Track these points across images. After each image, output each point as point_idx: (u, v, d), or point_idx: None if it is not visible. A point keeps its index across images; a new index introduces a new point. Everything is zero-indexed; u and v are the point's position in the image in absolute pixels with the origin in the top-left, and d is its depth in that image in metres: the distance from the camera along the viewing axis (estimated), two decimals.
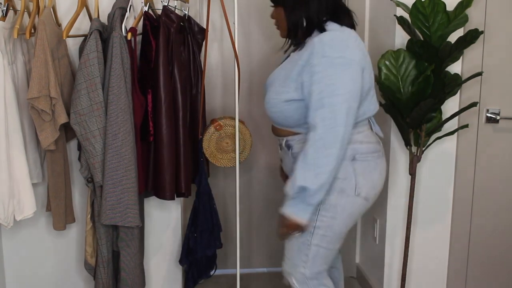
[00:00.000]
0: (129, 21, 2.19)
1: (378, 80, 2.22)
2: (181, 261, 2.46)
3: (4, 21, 2.03)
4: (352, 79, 1.71)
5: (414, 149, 2.34)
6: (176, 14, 2.21)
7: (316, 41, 1.73)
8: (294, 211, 1.77)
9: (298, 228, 1.79)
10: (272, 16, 1.90)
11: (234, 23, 2.24)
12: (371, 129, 1.92)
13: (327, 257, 1.91)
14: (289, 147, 1.92)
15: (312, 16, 1.79)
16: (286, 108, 1.81)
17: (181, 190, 2.26)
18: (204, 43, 2.37)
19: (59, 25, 2.20)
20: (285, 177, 2.09)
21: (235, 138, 2.36)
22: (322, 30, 1.77)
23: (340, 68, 1.69)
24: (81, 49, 2.22)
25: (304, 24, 1.80)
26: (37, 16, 2.06)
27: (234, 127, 2.36)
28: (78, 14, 2.12)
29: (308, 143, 1.71)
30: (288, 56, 1.93)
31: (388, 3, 2.33)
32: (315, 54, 1.71)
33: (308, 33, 1.81)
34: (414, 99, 2.15)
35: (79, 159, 2.24)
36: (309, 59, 1.72)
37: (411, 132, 2.27)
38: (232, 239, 2.86)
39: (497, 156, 2.51)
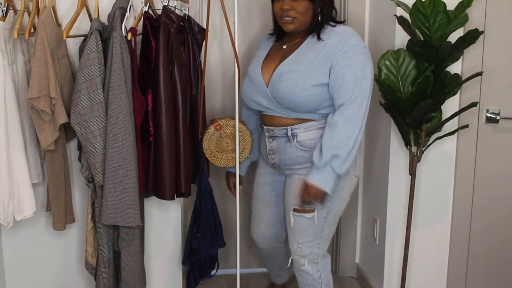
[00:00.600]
0: (129, 21, 2.19)
1: (378, 80, 2.22)
2: (184, 262, 2.46)
3: (4, 21, 2.03)
4: (371, 66, 2.01)
5: (414, 149, 2.34)
6: (176, 14, 2.21)
7: (339, 31, 2.01)
8: (320, 181, 1.95)
9: (321, 197, 1.98)
10: (292, 9, 2.00)
11: (234, 23, 2.24)
12: None
13: (332, 235, 2.19)
14: (294, 136, 2.06)
15: (329, 11, 2.06)
16: (313, 92, 1.98)
17: (181, 190, 2.26)
18: (204, 43, 2.37)
19: (59, 25, 2.19)
20: (233, 184, 2.33)
21: (235, 138, 2.36)
22: (330, 24, 2.05)
23: (366, 55, 1.99)
24: (81, 49, 2.22)
25: (324, 18, 2.04)
26: (37, 16, 2.06)
27: (234, 127, 2.36)
28: (78, 14, 2.12)
29: (338, 117, 1.94)
30: (271, 48, 2.17)
31: (388, 3, 2.33)
32: (344, 42, 1.97)
33: (322, 26, 2.04)
34: (414, 99, 2.15)
35: (79, 159, 2.24)
36: (338, 46, 1.96)
37: (411, 132, 2.27)
38: (232, 239, 2.86)
39: (497, 156, 2.51)
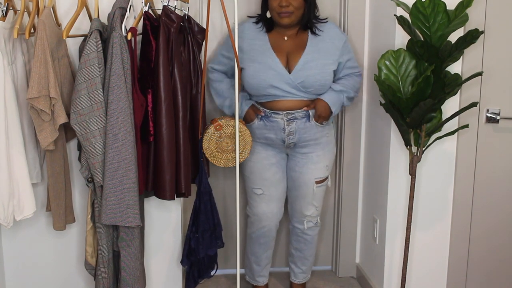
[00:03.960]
0: (129, 21, 2.19)
1: (378, 80, 2.22)
2: (182, 262, 2.46)
3: (4, 21, 2.03)
4: None
5: (414, 149, 2.34)
6: (176, 14, 2.21)
7: (334, 26, 2.52)
8: (332, 102, 2.45)
9: (328, 115, 2.46)
10: (290, 5, 2.32)
11: (234, 23, 2.24)
12: None
13: None
14: (309, 116, 2.43)
15: (315, 8, 2.45)
16: (332, 75, 2.46)
17: (181, 190, 2.26)
18: (204, 43, 2.37)
19: (59, 25, 2.19)
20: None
21: (235, 138, 2.36)
22: (319, 19, 2.47)
23: None
24: (81, 49, 2.22)
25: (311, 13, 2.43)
26: (37, 16, 2.06)
27: (234, 127, 2.36)
28: (78, 14, 2.12)
29: (356, 78, 2.55)
30: (271, 39, 2.46)
31: (388, 3, 2.33)
32: (342, 35, 2.50)
33: (314, 20, 2.44)
34: (414, 99, 2.15)
35: (79, 159, 2.24)
36: (341, 37, 2.48)
37: (411, 132, 2.27)
38: (232, 239, 2.86)
39: (497, 156, 2.51)
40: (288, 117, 2.42)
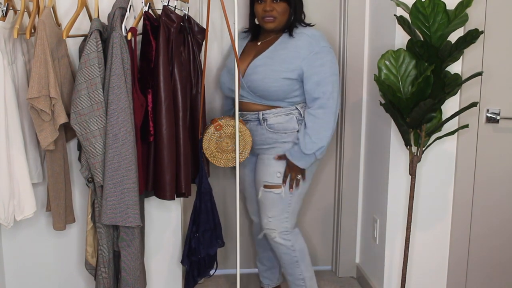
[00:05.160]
0: (129, 21, 2.19)
1: (378, 80, 2.22)
2: (183, 261, 2.46)
3: (4, 21, 2.03)
4: (337, 64, 2.37)
5: (414, 149, 2.34)
6: (176, 14, 2.21)
7: (309, 34, 2.33)
8: (304, 164, 2.34)
9: (303, 173, 2.37)
10: (274, 10, 2.31)
11: (234, 23, 2.24)
12: None
13: (298, 211, 2.48)
14: (264, 120, 2.38)
15: (300, 13, 2.38)
16: (283, 83, 2.31)
17: (181, 190, 2.26)
18: (204, 43, 2.37)
19: (59, 25, 2.20)
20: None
21: (235, 138, 2.36)
22: (301, 25, 2.38)
23: (333, 55, 2.34)
24: (81, 49, 2.22)
25: (296, 18, 2.36)
26: (37, 16, 2.06)
27: (234, 127, 2.36)
28: (78, 14, 2.12)
29: (319, 110, 2.29)
30: (246, 44, 2.47)
31: (388, 3, 2.33)
32: (314, 44, 2.30)
33: (294, 25, 2.36)
34: (414, 99, 2.15)
35: (79, 159, 2.24)
36: (309, 48, 2.29)
37: (411, 132, 2.27)
38: (232, 239, 2.86)
39: (497, 156, 2.51)
40: (243, 117, 2.44)
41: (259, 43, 2.44)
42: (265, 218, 2.43)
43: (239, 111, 2.39)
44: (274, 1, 2.32)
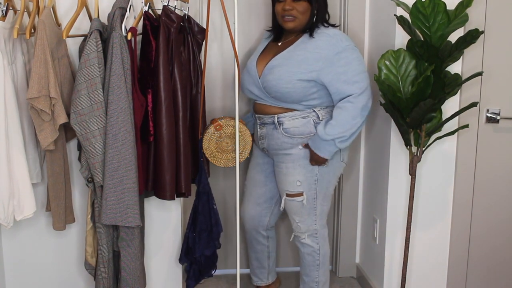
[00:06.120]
0: (129, 21, 2.19)
1: (378, 80, 2.22)
2: (180, 260, 2.47)
3: (4, 21, 2.03)
4: (364, 62, 2.33)
5: (414, 149, 2.34)
6: (176, 14, 2.21)
7: (330, 34, 2.25)
8: (324, 153, 2.26)
9: (323, 162, 2.31)
10: (294, 9, 2.24)
11: (234, 23, 2.24)
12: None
13: (327, 211, 2.45)
14: (280, 123, 2.32)
15: (323, 13, 2.31)
16: (298, 85, 2.24)
17: (181, 190, 2.26)
18: (204, 43, 2.37)
19: (59, 25, 2.20)
20: None
21: (235, 138, 2.36)
22: (324, 25, 2.30)
23: (359, 53, 2.27)
24: (81, 49, 2.22)
25: (318, 18, 2.30)
26: (37, 16, 2.06)
27: (234, 127, 2.36)
28: (78, 14, 2.12)
29: (348, 104, 2.21)
30: (268, 44, 2.43)
31: (388, 3, 2.33)
32: (336, 44, 2.22)
33: (316, 26, 2.29)
34: (414, 99, 2.15)
35: (79, 159, 2.24)
36: (330, 48, 2.21)
37: (411, 132, 2.27)
38: (232, 239, 2.86)
39: (497, 156, 2.51)
40: (260, 121, 2.40)
41: (279, 44, 2.38)
42: (294, 223, 2.43)
43: (255, 113, 2.42)
44: (294, 0, 2.25)
